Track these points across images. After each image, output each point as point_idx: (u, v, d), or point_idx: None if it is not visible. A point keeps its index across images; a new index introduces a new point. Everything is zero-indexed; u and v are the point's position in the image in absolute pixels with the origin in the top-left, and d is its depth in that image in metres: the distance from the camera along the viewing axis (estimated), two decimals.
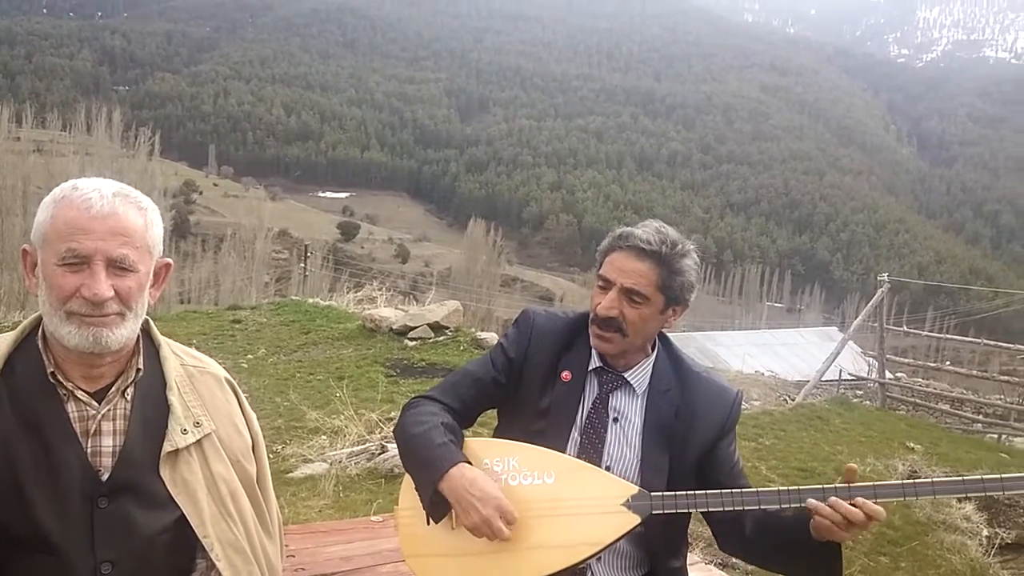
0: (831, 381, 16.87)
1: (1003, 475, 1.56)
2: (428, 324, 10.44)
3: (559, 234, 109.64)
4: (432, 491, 1.75)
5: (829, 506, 1.62)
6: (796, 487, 1.69)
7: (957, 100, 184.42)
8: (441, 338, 10.26)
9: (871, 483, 1.64)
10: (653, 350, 1.97)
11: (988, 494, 1.66)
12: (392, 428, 2.42)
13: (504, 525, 1.69)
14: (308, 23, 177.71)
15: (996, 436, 11.35)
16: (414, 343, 10.09)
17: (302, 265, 28.95)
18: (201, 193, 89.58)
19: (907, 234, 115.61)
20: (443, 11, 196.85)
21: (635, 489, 1.75)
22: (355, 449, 6.03)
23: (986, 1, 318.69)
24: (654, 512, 1.72)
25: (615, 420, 1.91)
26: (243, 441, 1.63)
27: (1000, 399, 15.03)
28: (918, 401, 12.09)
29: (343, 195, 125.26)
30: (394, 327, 10.48)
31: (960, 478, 1.59)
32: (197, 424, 1.54)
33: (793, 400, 10.67)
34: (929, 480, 1.60)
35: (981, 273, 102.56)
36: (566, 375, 1.92)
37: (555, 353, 1.95)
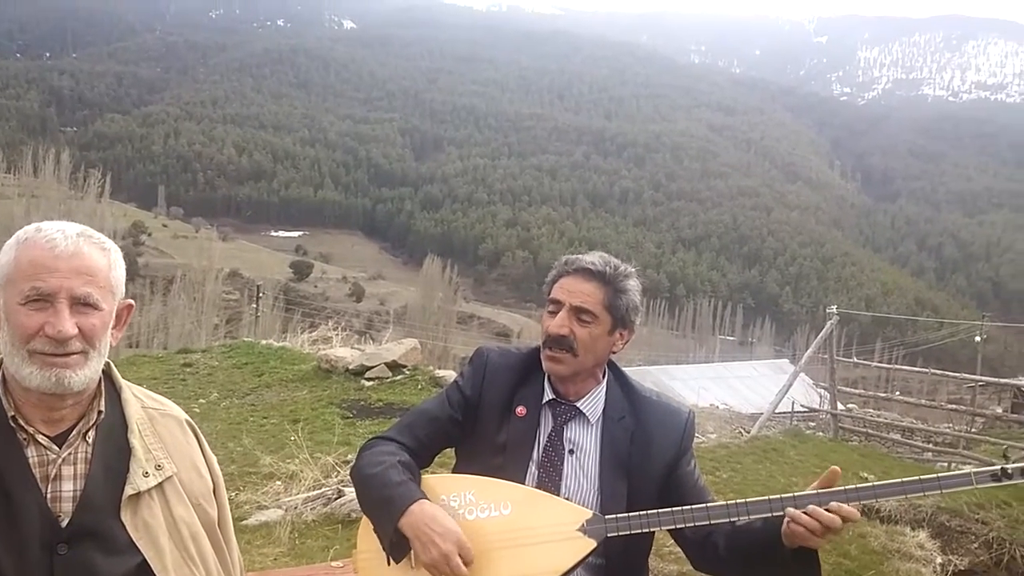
0: (784, 413, 17.10)
1: (939, 475, 1.68)
2: (385, 363, 10.31)
3: (515, 270, 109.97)
4: (392, 530, 1.75)
5: (807, 514, 1.65)
6: (744, 500, 1.73)
7: (898, 137, 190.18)
8: (399, 377, 10.15)
9: (815, 491, 1.70)
10: (604, 377, 2.01)
11: (926, 493, 1.70)
12: (349, 471, 2.40)
13: (461, 563, 1.69)
14: (261, 64, 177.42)
15: (946, 464, 11.58)
16: (371, 383, 9.97)
17: (254, 306, 28.59)
18: (150, 234, 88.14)
19: (854, 267, 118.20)
20: (397, 52, 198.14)
21: (589, 513, 1.77)
22: (311, 494, 5.91)
23: (924, 41, 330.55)
24: (609, 535, 1.74)
25: (571, 452, 1.93)
26: (204, 484, 1.62)
27: (949, 427, 15.37)
28: (870, 431, 12.30)
29: (296, 234, 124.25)
30: (350, 367, 10.35)
31: (899, 480, 1.68)
32: (159, 467, 1.52)
33: (748, 433, 10.77)
34: (871, 484, 1.69)
35: (927, 304, 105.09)
36: (521, 410, 1.95)
37: (510, 389, 1.98)
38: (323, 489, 5.98)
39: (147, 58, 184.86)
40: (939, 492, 1.70)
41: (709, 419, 15.08)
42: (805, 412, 16.74)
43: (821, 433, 12.29)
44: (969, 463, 11.11)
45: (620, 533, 1.75)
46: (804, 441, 9.75)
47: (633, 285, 1.94)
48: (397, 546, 1.76)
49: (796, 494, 1.70)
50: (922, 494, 1.76)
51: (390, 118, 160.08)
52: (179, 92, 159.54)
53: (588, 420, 1.95)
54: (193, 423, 1.68)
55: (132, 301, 1.57)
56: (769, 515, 1.72)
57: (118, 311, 1.51)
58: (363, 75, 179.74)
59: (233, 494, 5.97)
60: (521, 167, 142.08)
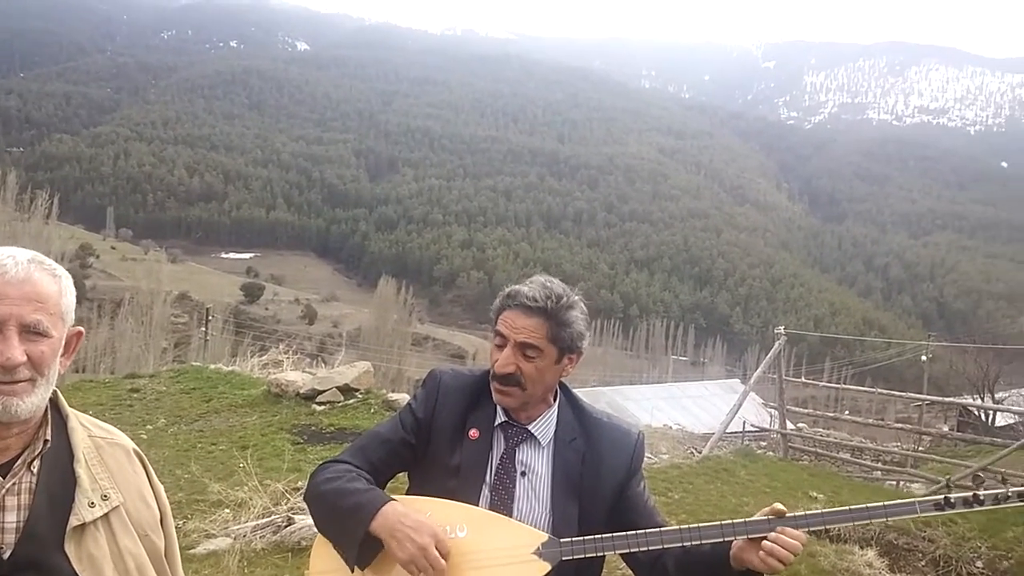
0: (735, 433, 17.30)
1: (886, 504, 1.73)
2: (337, 387, 10.21)
3: (470, 291, 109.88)
4: (363, 534, 1.74)
5: (773, 540, 1.69)
6: (697, 525, 1.77)
7: (844, 159, 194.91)
8: (351, 401, 10.05)
9: (765, 518, 1.75)
10: (555, 400, 2.02)
11: (872, 520, 1.78)
12: (303, 494, 2.35)
13: (439, 555, 1.70)
14: (213, 85, 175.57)
15: (895, 483, 11.79)
16: (322, 407, 9.85)
17: (203, 329, 28.11)
18: (98, 257, 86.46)
19: (802, 288, 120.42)
20: (351, 74, 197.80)
21: (545, 536, 1.78)
22: (260, 522, 5.81)
23: (868, 67, 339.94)
24: (564, 558, 1.75)
25: (523, 474, 1.94)
26: (151, 514, 1.59)
27: (897, 446, 15.68)
28: (819, 451, 12.47)
29: (247, 255, 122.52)
30: (301, 391, 10.22)
31: (848, 508, 1.75)
32: (105, 497, 1.48)
33: (700, 453, 10.86)
34: (819, 511, 1.76)
35: (874, 324, 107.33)
36: (474, 433, 1.95)
37: (462, 411, 1.98)
38: (273, 517, 5.88)
39: (97, 78, 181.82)
40: (885, 520, 1.84)
41: (662, 439, 15.20)
42: (756, 432, 16.96)
43: (771, 453, 12.44)
44: (917, 481, 11.34)
45: (575, 556, 1.76)
46: (755, 461, 9.86)
47: (575, 315, 1.94)
48: (365, 551, 1.75)
49: (748, 520, 1.75)
50: (868, 521, 1.80)
51: (344, 139, 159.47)
52: (129, 113, 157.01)
53: (539, 443, 1.97)
54: (140, 452, 1.65)
55: (82, 329, 1.55)
56: (721, 540, 1.75)
57: (67, 338, 1.49)
58: (317, 96, 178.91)
59: (181, 522, 5.85)
60: (476, 188, 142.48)
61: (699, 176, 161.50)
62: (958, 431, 20.64)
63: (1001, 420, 21.38)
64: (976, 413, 22.00)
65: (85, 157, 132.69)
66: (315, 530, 2.00)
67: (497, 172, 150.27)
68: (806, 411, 15.21)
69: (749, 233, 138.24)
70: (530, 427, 1.97)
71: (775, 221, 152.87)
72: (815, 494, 8.13)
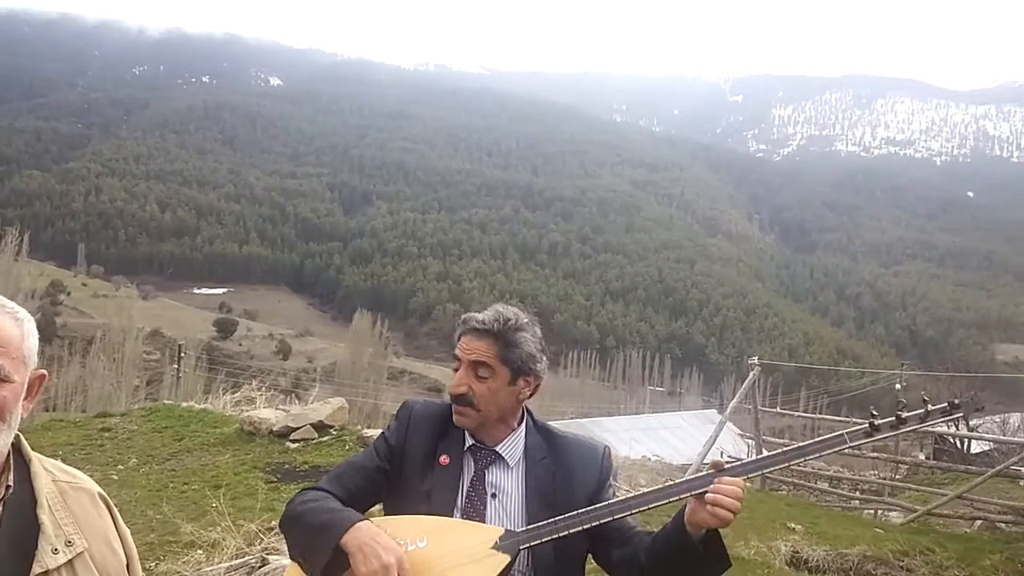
0: None
1: (816, 439, 1.88)
2: (311, 424, 10.08)
3: (446, 324, 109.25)
4: (333, 547, 1.78)
5: (715, 491, 1.79)
6: (643, 491, 1.88)
7: (813, 190, 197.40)
8: (325, 438, 9.93)
9: (706, 472, 1.86)
10: (520, 424, 2.12)
11: (807, 459, 1.88)
12: (279, 520, 2.33)
13: None
14: (185, 120, 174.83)
15: (872, 512, 11.82)
16: (296, 445, 9.72)
17: (175, 366, 27.73)
18: (69, 294, 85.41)
19: (776, 317, 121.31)
20: (325, 109, 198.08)
21: (502, 530, 1.88)
22: (234, 563, 5.68)
23: (835, 99, 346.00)
24: (522, 547, 1.85)
25: (493, 495, 2.02)
26: (117, 560, 1.56)
27: (874, 474, 15.76)
28: (797, 481, 12.48)
29: (220, 291, 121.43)
30: (274, 429, 10.07)
31: (780, 451, 1.91)
32: (69, 543, 1.45)
33: None
34: (756, 458, 1.89)
35: (847, 353, 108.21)
36: (444, 459, 2.05)
37: (433, 438, 2.08)
38: (247, 558, 5.76)
39: (68, 114, 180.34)
40: (818, 456, 1.88)
41: (641, 471, 15.12)
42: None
43: (749, 484, 12.43)
44: (895, 510, 11.38)
45: (532, 544, 1.85)
46: None
47: (524, 336, 2.04)
48: (332, 568, 1.79)
49: (688, 477, 1.87)
50: (802, 460, 1.90)
51: (318, 173, 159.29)
52: (101, 148, 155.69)
53: (508, 464, 2.06)
54: (106, 496, 1.62)
55: (45, 372, 1.53)
56: (667, 502, 1.85)
57: (30, 382, 1.47)
58: (290, 131, 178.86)
59: (153, 564, 5.74)
60: (451, 221, 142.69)
61: (672, 208, 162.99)
62: (934, 459, 20.80)
63: (976, 447, 21.58)
64: (951, 441, 22.17)
65: (56, 193, 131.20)
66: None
67: (472, 205, 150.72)
68: (782, 441, 15.23)
69: (722, 264, 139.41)
70: (498, 448, 2.06)
71: (747, 252, 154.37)
72: (792, 524, 8.12)
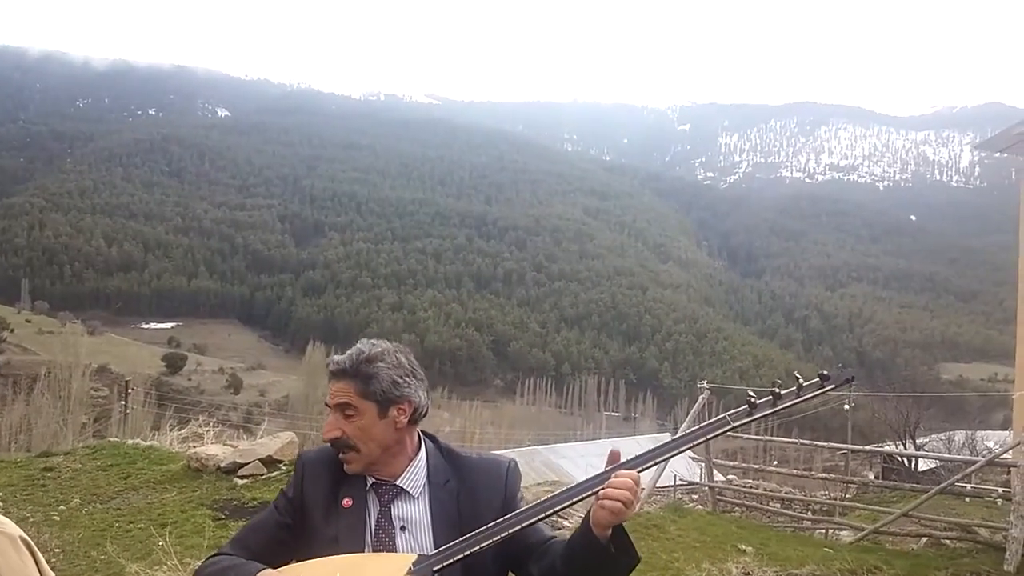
0: (667, 487, 17.36)
1: (702, 424, 1.95)
2: (260, 459, 9.89)
3: None
4: None
5: (609, 487, 1.78)
6: (547, 497, 1.87)
7: (760, 216, 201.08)
8: (274, 473, 9.75)
9: (605, 469, 1.86)
10: (419, 451, 2.10)
11: (695, 443, 1.95)
12: None
13: None
14: (131, 153, 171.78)
15: (823, 532, 11.95)
16: (244, 481, 9.53)
17: (122, 403, 27.04)
18: (12, 331, 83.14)
19: (726, 341, 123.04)
20: (274, 139, 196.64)
21: (415, 556, 1.88)
22: None
23: (779, 127, 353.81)
24: (435, 569, 1.84)
25: (402, 528, 2.01)
26: None
27: (825, 494, 15.97)
28: (747, 503, 12.60)
29: (168, 325, 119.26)
30: (222, 465, 9.87)
31: (671, 439, 1.99)
32: None
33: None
34: (650, 449, 1.91)
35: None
36: (347, 501, 2.03)
37: (332, 484, 2.06)
38: None
39: (9, 148, 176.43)
40: (705, 440, 1.94)
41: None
42: (686, 485, 17.06)
43: (702, 506, 12.52)
44: (845, 529, 11.54)
45: (445, 563, 1.84)
46: (684, 515, 9.90)
47: (379, 366, 2.02)
48: None
49: (591, 476, 1.85)
50: (693, 444, 1.97)
51: (268, 204, 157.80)
52: (44, 182, 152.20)
53: (411, 495, 2.04)
54: (29, 540, 1.58)
55: None
56: (570, 503, 1.84)
57: None
58: (239, 162, 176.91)
59: None
60: (405, 251, 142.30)
61: (623, 235, 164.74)
62: (883, 478, 21.14)
63: (923, 465, 21.97)
64: (899, 459, 22.56)
65: None
66: None
67: (426, 235, 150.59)
68: (732, 464, 15.40)
69: (673, 290, 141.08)
70: (398, 482, 2.04)
71: (697, 277, 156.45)
72: (744, 547, 8.19)
